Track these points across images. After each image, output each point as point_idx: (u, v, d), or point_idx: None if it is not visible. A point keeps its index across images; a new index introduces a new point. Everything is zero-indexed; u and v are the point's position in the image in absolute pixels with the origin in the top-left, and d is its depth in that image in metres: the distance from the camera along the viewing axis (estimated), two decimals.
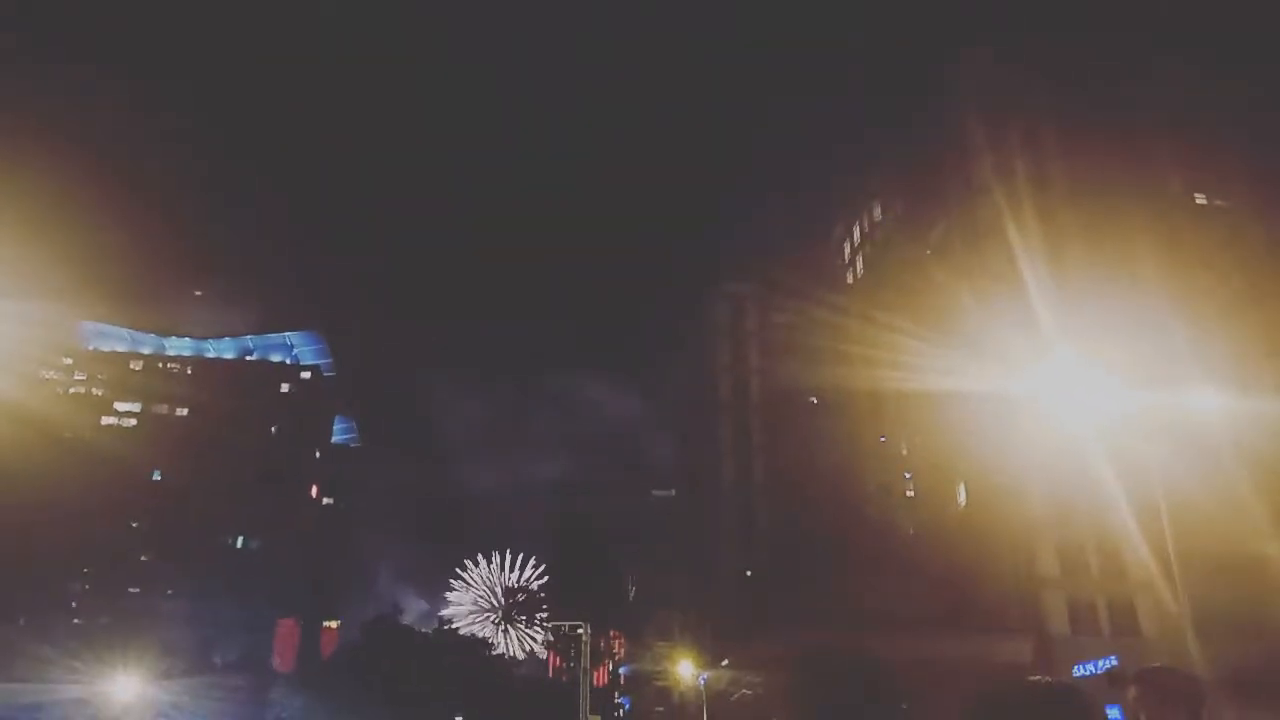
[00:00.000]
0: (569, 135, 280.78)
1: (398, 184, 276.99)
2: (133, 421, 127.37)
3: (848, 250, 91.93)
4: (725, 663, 64.20)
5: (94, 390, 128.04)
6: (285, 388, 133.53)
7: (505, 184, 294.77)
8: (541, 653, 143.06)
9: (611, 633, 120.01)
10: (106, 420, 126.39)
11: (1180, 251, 57.82)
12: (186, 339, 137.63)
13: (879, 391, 74.25)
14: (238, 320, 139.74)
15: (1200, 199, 65.14)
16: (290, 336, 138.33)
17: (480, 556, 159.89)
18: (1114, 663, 43.99)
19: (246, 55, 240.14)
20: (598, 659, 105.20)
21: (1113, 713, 38.03)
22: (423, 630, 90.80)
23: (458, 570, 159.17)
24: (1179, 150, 63.42)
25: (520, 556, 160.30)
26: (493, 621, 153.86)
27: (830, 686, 46.59)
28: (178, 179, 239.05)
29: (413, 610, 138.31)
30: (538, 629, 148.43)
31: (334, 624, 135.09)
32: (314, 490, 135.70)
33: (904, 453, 78.55)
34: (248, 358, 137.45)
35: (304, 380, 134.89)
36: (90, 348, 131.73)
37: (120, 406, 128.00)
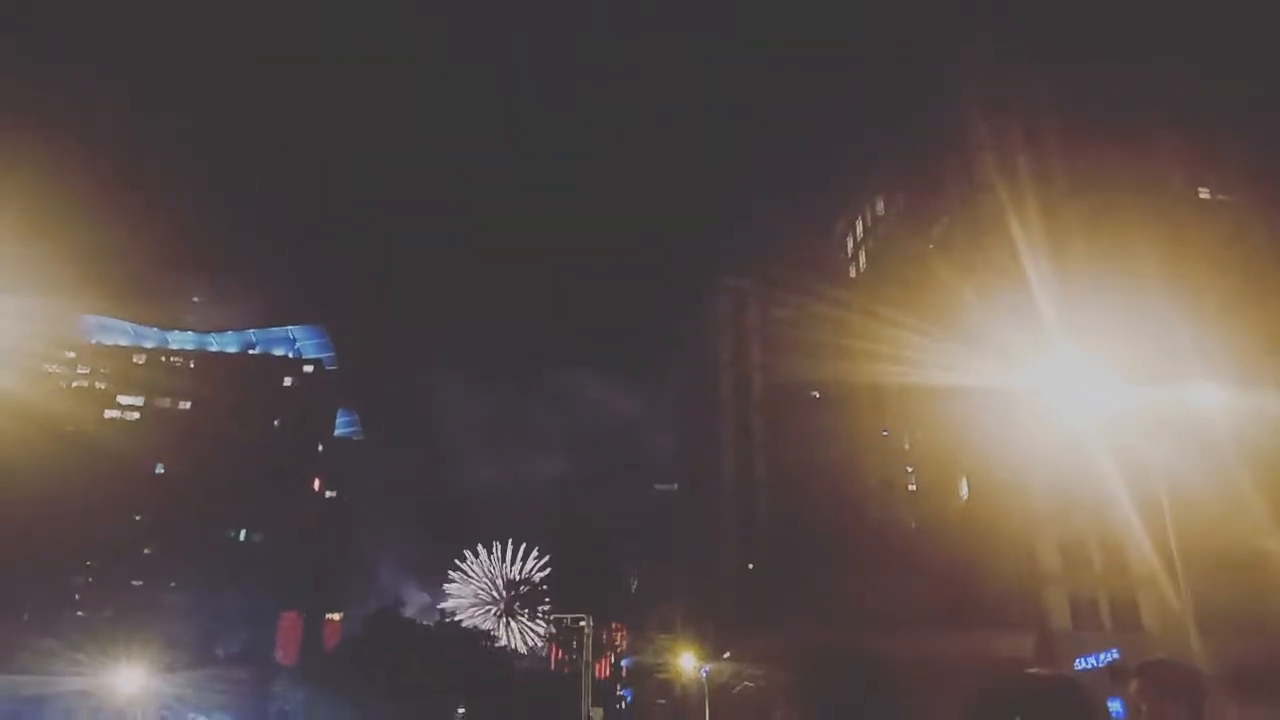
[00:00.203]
0: (569, 135, 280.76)
1: (399, 180, 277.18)
2: (135, 415, 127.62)
3: (849, 245, 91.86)
4: (727, 656, 64.29)
5: (97, 384, 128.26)
6: (288, 381, 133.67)
7: (505, 183, 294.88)
8: (542, 646, 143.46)
9: (613, 625, 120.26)
10: (109, 414, 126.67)
11: (1183, 247, 57.74)
12: (189, 333, 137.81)
13: (881, 386, 74.22)
14: (240, 314, 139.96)
15: (1203, 194, 65.02)
16: (292, 330, 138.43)
17: (480, 547, 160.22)
18: (1115, 656, 44.04)
19: (248, 54, 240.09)
20: (599, 651, 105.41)
21: (1114, 706, 38.11)
22: (425, 623, 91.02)
23: (456, 562, 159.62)
24: (1182, 145, 63.30)
25: (522, 547, 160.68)
26: (494, 614, 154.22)
27: (831, 682, 46.61)
28: (180, 174, 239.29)
29: (415, 603, 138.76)
30: (539, 622, 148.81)
31: (336, 617, 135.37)
32: (316, 484, 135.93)
33: (906, 448, 78.58)
34: (250, 351, 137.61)
35: (306, 374, 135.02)
36: (93, 342, 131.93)
37: (123, 400, 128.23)
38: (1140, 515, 42.56)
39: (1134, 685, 4.62)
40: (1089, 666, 45.38)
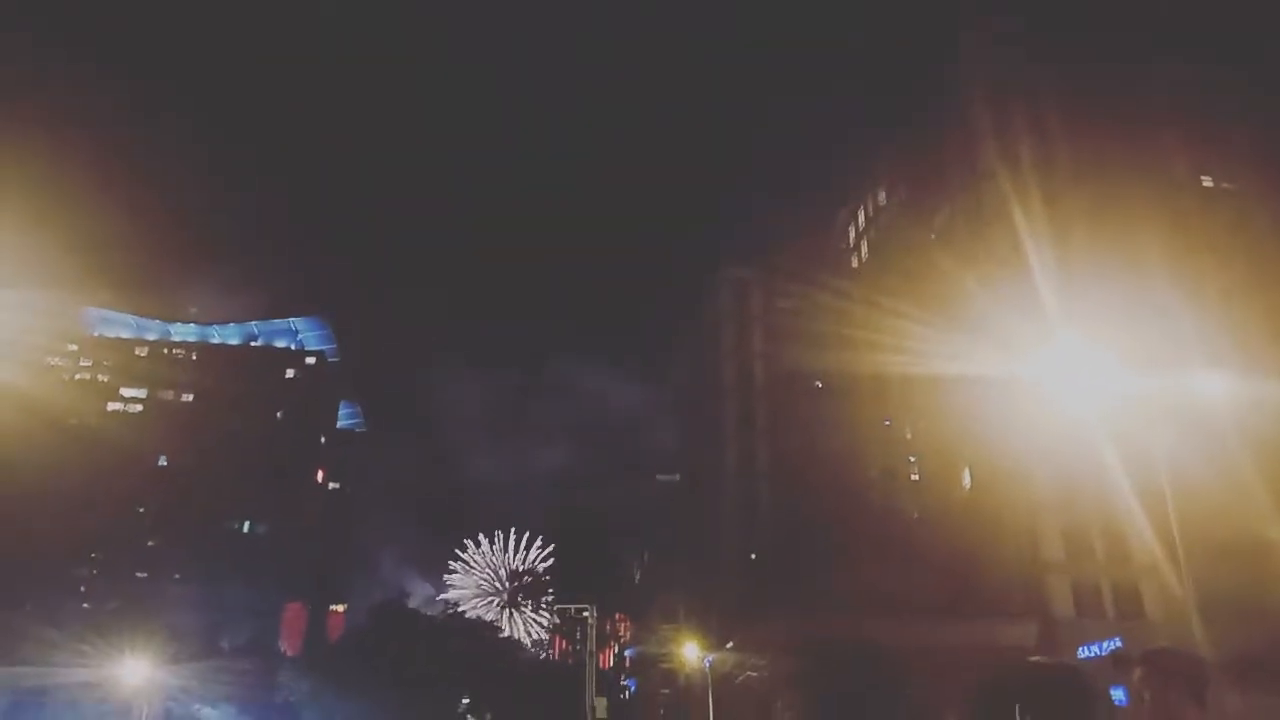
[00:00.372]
0: (569, 135, 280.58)
1: (400, 174, 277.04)
2: (138, 408, 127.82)
3: (852, 235, 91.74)
4: (730, 645, 64.43)
5: (99, 377, 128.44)
6: (290, 373, 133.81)
7: (506, 181, 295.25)
8: (547, 639, 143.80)
9: (617, 615, 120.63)
10: (112, 407, 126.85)
11: (1186, 235, 57.61)
12: (191, 325, 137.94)
13: (883, 376, 74.19)
14: (242, 306, 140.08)
15: (1206, 182, 64.83)
16: (295, 322, 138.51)
17: (482, 537, 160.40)
18: (1118, 644, 44.10)
19: (250, 51, 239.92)
20: (603, 642, 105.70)
21: (1117, 694, 38.17)
22: (429, 614, 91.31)
23: (459, 553, 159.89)
24: (1185, 133, 63.09)
25: (524, 538, 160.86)
26: (497, 606, 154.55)
27: (834, 671, 46.76)
28: (181, 167, 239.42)
29: (418, 594, 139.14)
30: (542, 613, 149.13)
31: (340, 608, 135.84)
32: (320, 475, 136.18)
33: (908, 437, 78.58)
34: (252, 343, 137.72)
35: (309, 366, 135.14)
36: (95, 334, 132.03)
37: (126, 393, 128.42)
38: (1143, 504, 42.58)
39: (1137, 673, 4.62)
40: (1092, 655, 45.47)
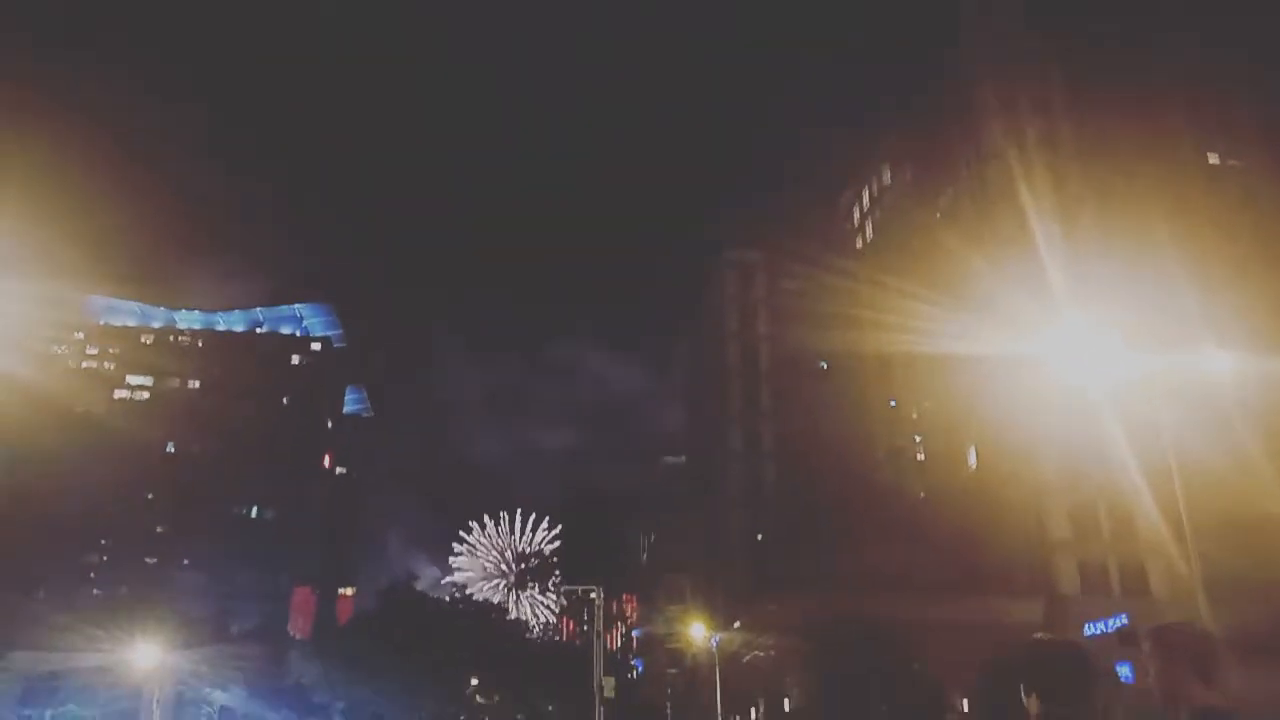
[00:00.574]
0: (569, 134, 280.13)
1: (403, 162, 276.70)
2: (145, 395, 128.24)
3: (857, 215, 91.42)
4: (737, 625, 64.71)
5: (105, 365, 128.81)
6: (296, 359, 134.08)
7: (509, 171, 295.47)
8: (554, 623, 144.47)
9: (624, 596, 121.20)
10: (119, 394, 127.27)
11: (1192, 213, 57.33)
12: (196, 312, 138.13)
13: (888, 356, 74.15)
14: (247, 293, 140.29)
15: (1213, 159, 64.47)
16: (300, 309, 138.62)
17: (488, 519, 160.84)
18: (1124, 621, 44.19)
19: (253, 46, 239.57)
20: (610, 622, 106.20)
21: (1123, 670, 38.32)
22: (437, 597, 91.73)
23: (466, 536, 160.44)
24: (1190, 110, 62.68)
25: (531, 519, 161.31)
26: (504, 587, 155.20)
27: (840, 651, 46.96)
28: (185, 157, 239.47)
29: (426, 577, 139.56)
30: (549, 595, 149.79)
31: (349, 592, 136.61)
32: (327, 460, 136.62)
33: (914, 417, 78.59)
34: (258, 330, 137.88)
35: (314, 352, 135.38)
36: (101, 322, 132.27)
37: (132, 380, 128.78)
38: (1148, 482, 42.56)
39: (1145, 647, 4.65)
40: (1098, 632, 45.59)
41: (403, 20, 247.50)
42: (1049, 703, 4.25)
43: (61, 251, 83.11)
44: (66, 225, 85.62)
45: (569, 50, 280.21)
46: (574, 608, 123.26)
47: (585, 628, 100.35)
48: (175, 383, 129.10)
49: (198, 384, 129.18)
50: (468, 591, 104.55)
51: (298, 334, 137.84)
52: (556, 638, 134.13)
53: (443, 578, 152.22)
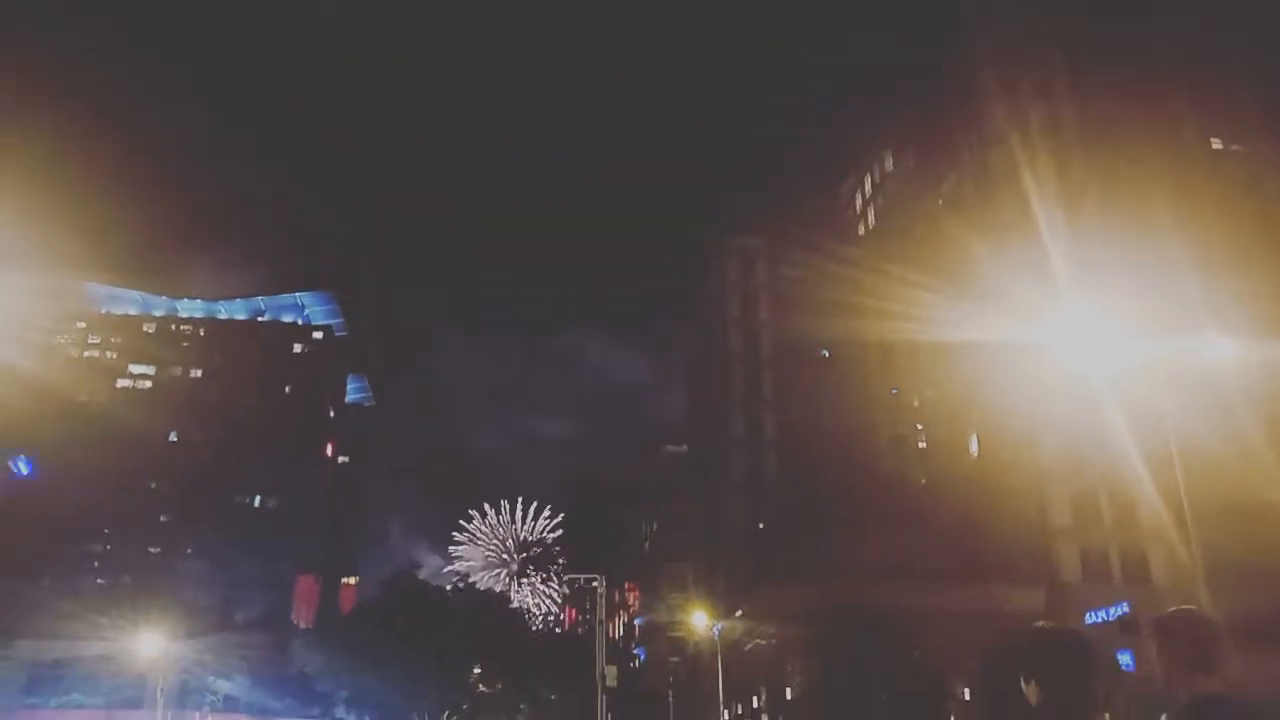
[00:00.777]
0: (569, 134, 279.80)
1: (405, 161, 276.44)
2: (147, 384, 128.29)
3: (859, 202, 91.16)
4: (739, 614, 64.86)
5: (108, 354, 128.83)
6: (297, 348, 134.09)
7: (510, 170, 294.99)
8: (557, 612, 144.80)
9: (626, 585, 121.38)
10: (121, 384, 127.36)
11: (1195, 198, 57.07)
12: (198, 301, 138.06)
13: (891, 344, 74.04)
14: (248, 282, 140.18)
15: (1216, 144, 64.19)
16: (301, 297, 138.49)
17: (488, 507, 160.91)
18: (1126, 610, 44.22)
19: (253, 46, 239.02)
20: (613, 611, 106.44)
21: (1124, 658, 38.35)
22: (439, 585, 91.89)
23: (467, 524, 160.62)
24: (1194, 95, 62.37)
25: (533, 507, 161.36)
26: (506, 576, 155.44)
27: (842, 639, 47.05)
28: (186, 151, 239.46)
29: (428, 566, 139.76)
30: (551, 585, 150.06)
31: (352, 581, 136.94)
32: (329, 449, 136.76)
33: (916, 405, 78.52)
34: (259, 319, 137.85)
35: (316, 340, 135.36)
36: (103, 311, 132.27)
37: (135, 370, 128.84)
38: (1150, 469, 42.51)
39: (1148, 635, 4.62)
40: (1100, 620, 45.63)
41: (403, 20, 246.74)
42: (1049, 691, 4.22)
43: (63, 242, 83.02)
44: (68, 216, 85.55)
45: (569, 50, 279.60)
46: (576, 596, 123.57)
47: (587, 616, 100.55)
48: (177, 371, 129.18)
49: (200, 373, 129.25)
50: (470, 580, 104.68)
51: (299, 322, 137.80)
52: (559, 627, 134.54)
53: (444, 566, 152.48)
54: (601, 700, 54.66)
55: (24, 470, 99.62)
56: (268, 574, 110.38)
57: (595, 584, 63.02)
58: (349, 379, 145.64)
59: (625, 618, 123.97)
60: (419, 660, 64.31)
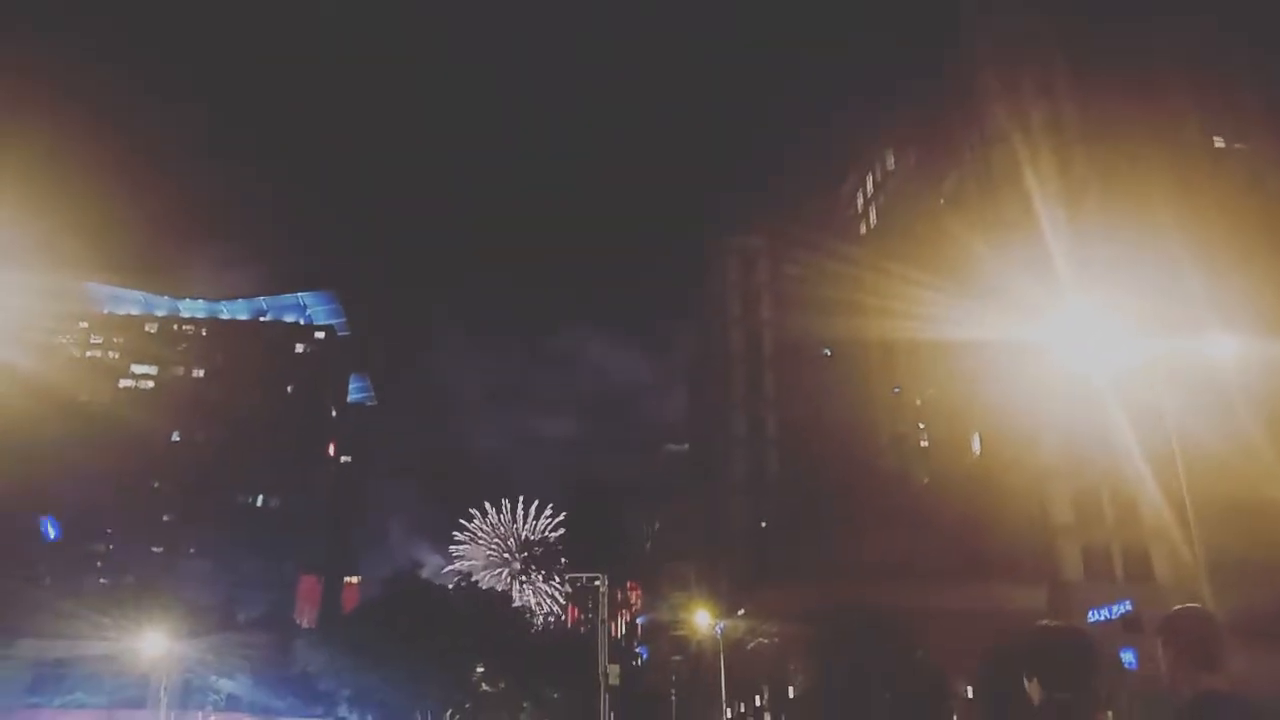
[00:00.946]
0: (569, 134, 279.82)
1: (405, 161, 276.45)
2: (150, 384, 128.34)
3: (860, 201, 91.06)
4: (741, 612, 64.87)
5: (110, 354, 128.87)
6: (299, 348, 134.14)
7: (510, 170, 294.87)
8: (560, 610, 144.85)
9: (628, 584, 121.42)
10: (124, 384, 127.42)
11: (1196, 196, 57.00)
12: (200, 301, 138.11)
13: (892, 342, 73.97)
14: (250, 282, 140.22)
15: (1218, 142, 64.10)
16: (303, 297, 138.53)
17: (489, 505, 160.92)
18: (1128, 608, 44.22)
19: (253, 46, 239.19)
20: (615, 610, 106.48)
21: (1127, 656, 38.32)
22: (441, 585, 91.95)
23: (463, 523, 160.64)
24: (1196, 92, 62.28)
25: (534, 506, 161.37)
26: (508, 576, 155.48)
27: (844, 638, 47.04)
28: (186, 151, 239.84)
29: (430, 565, 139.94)
30: (553, 584, 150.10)
31: (355, 580, 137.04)
32: (331, 448, 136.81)
33: (918, 403, 78.46)
34: (261, 319, 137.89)
35: (318, 340, 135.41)
36: (105, 311, 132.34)
37: (137, 370, 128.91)
38: (1152, 467, 42.48)
39: (1152, 633, 4.63)
40: (1102, 618, 45.63)
41: (403, 20, 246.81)
42: (1051, 689, 4.23)
43: (65, 242, 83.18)
44: (70, 216, 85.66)
45: (569, 50, 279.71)
46: (578, 595, 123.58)
47: (590, 615, 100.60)
48: (179, 371, 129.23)
49: (202, 373, 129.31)
50: (472, 579, 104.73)
51: (301, 322, 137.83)
52: (561, 625, 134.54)
53: (446, 566, 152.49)
54: (604, 699, 54.70)
55: (52, 534, 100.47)
56: (270, 573, 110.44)
57: (598, 583, 63.10)
58: (351, 379, 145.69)
59: (627, 617, 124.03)
60: (421, 659, 64.35)
